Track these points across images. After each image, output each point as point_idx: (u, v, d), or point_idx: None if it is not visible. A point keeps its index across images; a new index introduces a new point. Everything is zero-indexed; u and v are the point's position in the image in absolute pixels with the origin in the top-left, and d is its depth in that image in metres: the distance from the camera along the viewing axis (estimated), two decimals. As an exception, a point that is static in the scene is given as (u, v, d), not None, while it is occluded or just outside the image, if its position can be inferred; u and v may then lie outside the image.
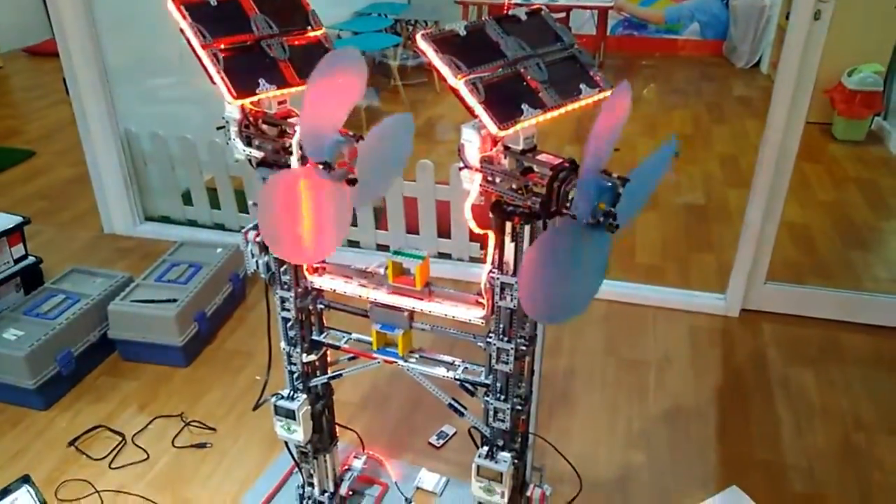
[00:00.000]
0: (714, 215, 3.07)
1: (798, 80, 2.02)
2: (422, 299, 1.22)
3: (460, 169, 1.06)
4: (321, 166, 1.05)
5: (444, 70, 0.99)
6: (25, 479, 1.55)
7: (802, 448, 1.83)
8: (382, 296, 1.25)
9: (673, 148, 1.00)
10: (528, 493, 1.40)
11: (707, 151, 3.77)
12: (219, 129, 1.25)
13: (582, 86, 1.06)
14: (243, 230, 1.32)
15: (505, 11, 1.09)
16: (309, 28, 1.26)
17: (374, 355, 1.33)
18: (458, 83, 0.98)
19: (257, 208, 1.09)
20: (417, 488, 1.70)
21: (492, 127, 0.97)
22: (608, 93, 1.06)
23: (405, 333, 1.29)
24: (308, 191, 1.07)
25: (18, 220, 2.28)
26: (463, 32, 1.03)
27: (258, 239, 1.30)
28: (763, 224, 2.23)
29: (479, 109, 0.97)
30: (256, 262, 1.32)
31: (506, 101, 0.99)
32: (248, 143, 1.24)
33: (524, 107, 1.00)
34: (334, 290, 1.30)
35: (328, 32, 1.30)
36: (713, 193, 3.28)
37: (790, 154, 2.12)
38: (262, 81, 1.18)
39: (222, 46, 1.15)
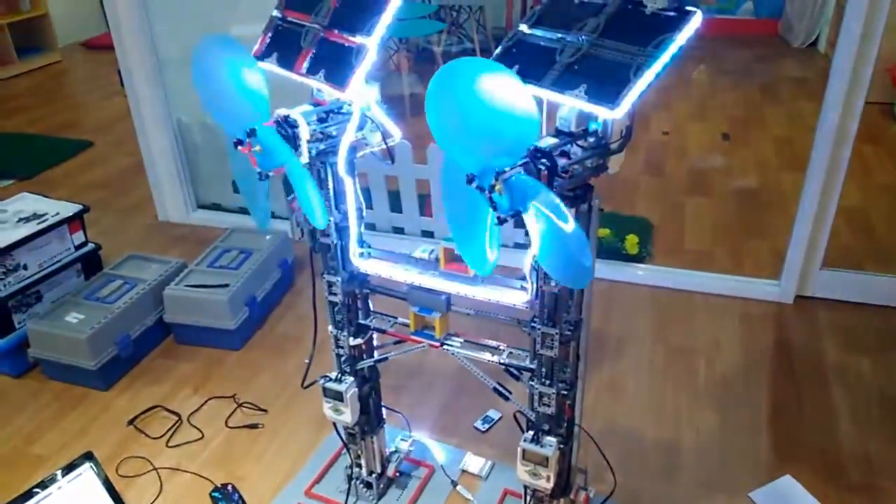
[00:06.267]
0: (768, 200, 2.99)
1: (858, 58, 1.94)
2: (473, 284, 1.21)
3: None
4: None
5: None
6: (88, 456, 1.62)
7: (859, 437, 1.78)
8: (432, 280, 1.25)
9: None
10: (572, 496, 1.40)
11: (761, 134, 3.66)
12: None
13: (583, 86, 0.97)
14: (289, 198, 1.32)
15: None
16: (356, 32, 1.15)
17: (418, 339, 1.34)
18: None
19: None
20: (463, 471, 1.71)
21: None
22: (605, 111, 0.95)
23: (442, 317, 1.30)
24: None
25: (79, 208, 2.36)
26: None
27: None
28: (819, 208, 2.15)
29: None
30: (301, 229, 1.34)
31: (506, 59, 1.05)
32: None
33: None
34: (379, 275, 1.30)
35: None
36: (767, 177, 3.19)
37: (849, 136, 2.04)
38: (275, 56, 1.24)
39: (287, 18, 1.26)
